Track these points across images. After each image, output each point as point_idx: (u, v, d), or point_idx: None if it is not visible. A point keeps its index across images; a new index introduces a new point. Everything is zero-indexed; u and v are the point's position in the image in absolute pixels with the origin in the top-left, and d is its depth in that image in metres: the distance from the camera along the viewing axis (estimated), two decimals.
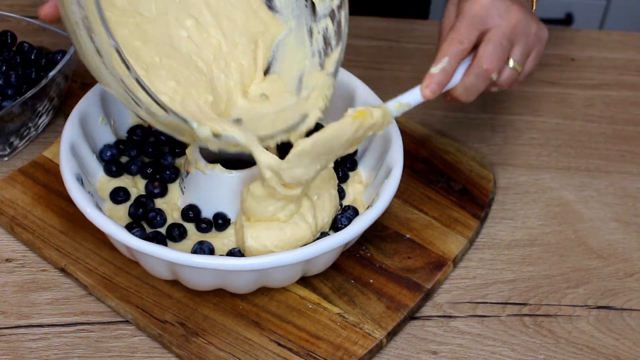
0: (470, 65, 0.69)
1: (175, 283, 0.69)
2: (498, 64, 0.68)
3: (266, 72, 0.73)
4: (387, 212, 0.76)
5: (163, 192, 0.73)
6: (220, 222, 0.70)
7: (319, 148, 0.64)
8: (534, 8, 0.75)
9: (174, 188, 0.74)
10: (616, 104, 0.94)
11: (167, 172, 0.74)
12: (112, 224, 0.64)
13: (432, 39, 1.01)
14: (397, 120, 0.76)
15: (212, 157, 0.74)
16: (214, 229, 0.70)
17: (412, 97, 0.69)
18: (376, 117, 0.66)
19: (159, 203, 0.72)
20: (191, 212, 0.71)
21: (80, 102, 0.74)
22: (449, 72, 0.68)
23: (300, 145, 0.63)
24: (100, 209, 0.66)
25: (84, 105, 0.73)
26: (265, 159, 0.63)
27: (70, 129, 0.71)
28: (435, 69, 0.68)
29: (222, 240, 0.70)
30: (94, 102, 0.74)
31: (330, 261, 0.69)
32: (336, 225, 0.70)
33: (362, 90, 0.77)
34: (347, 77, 0.78)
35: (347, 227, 0.65)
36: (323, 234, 0.69)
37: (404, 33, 1.02)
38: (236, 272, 0.64)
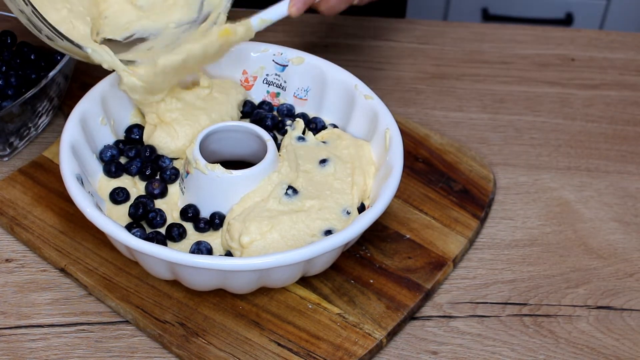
0: None
1: (175, 283, 0.69)
2: None
3: None
4: (387, 212, 0.76)
5: (163, 193, 0.73)
6: (217, 221, 0.70)
7: (186, 63, 0.72)
8: None
9: (174, 188, 0.74)
10: (616, 104, 0.94)
11: (167, 173, 0.74)
12: (111, 223, 0.64)
13: (433, 39, 1.02)
14: (397, 120, 0.76)
15: (212, 158, 0.74)
16: (212, 228, 0.70)
17: (276, 13, 0.75)
18: (240, 34, 0.74)
19: (159, 203, 0.72)
20: (190, 212, 0.71)
21: (80, 102, 0.74)
22: None
23: (169, 61, 0.71)
24: (100, 209, 0.66)
25: (84, 105, 0.74)
26: (129, 81, 0.71)
27: (71, 129, 0.71)
28: None
29: (220, 239, 0.70)
30: (94, 102, 0.74)
31: (330, 261, 0.69)
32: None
33: (362, 88, 0.77)
34: (347, 76, 0.78)
35: (347, 227, 0.65)
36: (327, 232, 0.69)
37: (404, 33, 1.02)
38: (236, 272, 0.64)
